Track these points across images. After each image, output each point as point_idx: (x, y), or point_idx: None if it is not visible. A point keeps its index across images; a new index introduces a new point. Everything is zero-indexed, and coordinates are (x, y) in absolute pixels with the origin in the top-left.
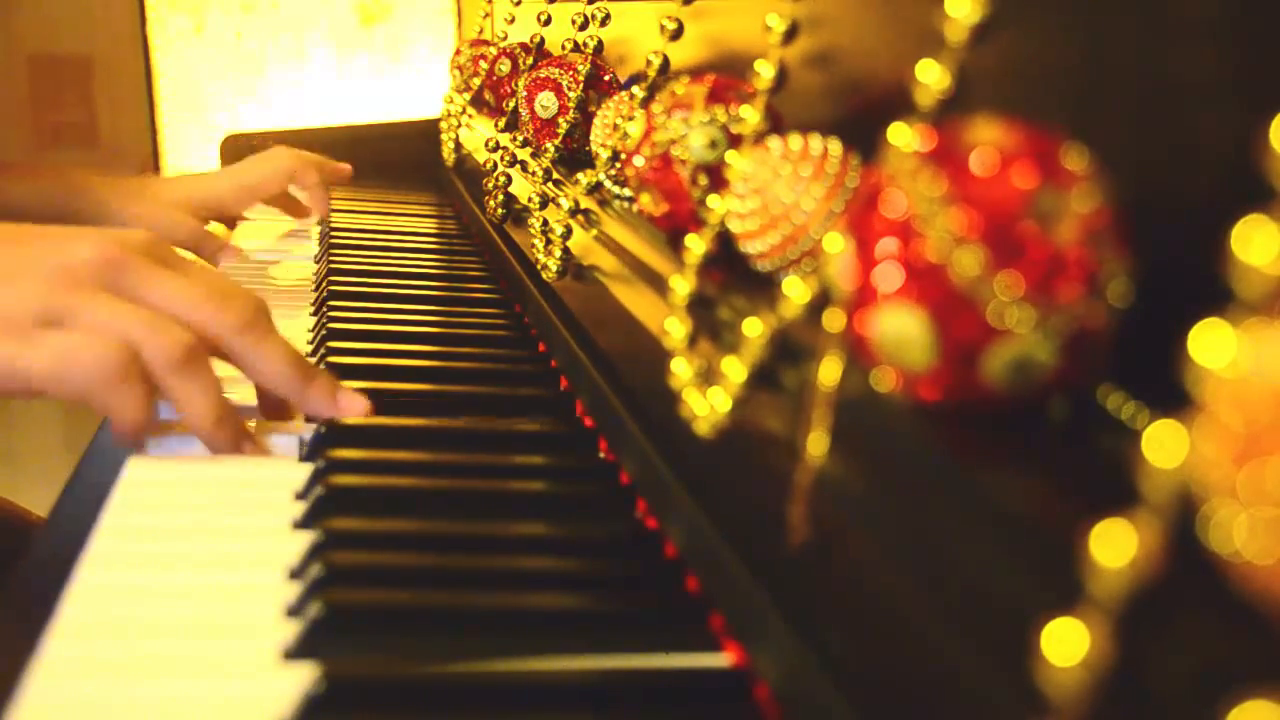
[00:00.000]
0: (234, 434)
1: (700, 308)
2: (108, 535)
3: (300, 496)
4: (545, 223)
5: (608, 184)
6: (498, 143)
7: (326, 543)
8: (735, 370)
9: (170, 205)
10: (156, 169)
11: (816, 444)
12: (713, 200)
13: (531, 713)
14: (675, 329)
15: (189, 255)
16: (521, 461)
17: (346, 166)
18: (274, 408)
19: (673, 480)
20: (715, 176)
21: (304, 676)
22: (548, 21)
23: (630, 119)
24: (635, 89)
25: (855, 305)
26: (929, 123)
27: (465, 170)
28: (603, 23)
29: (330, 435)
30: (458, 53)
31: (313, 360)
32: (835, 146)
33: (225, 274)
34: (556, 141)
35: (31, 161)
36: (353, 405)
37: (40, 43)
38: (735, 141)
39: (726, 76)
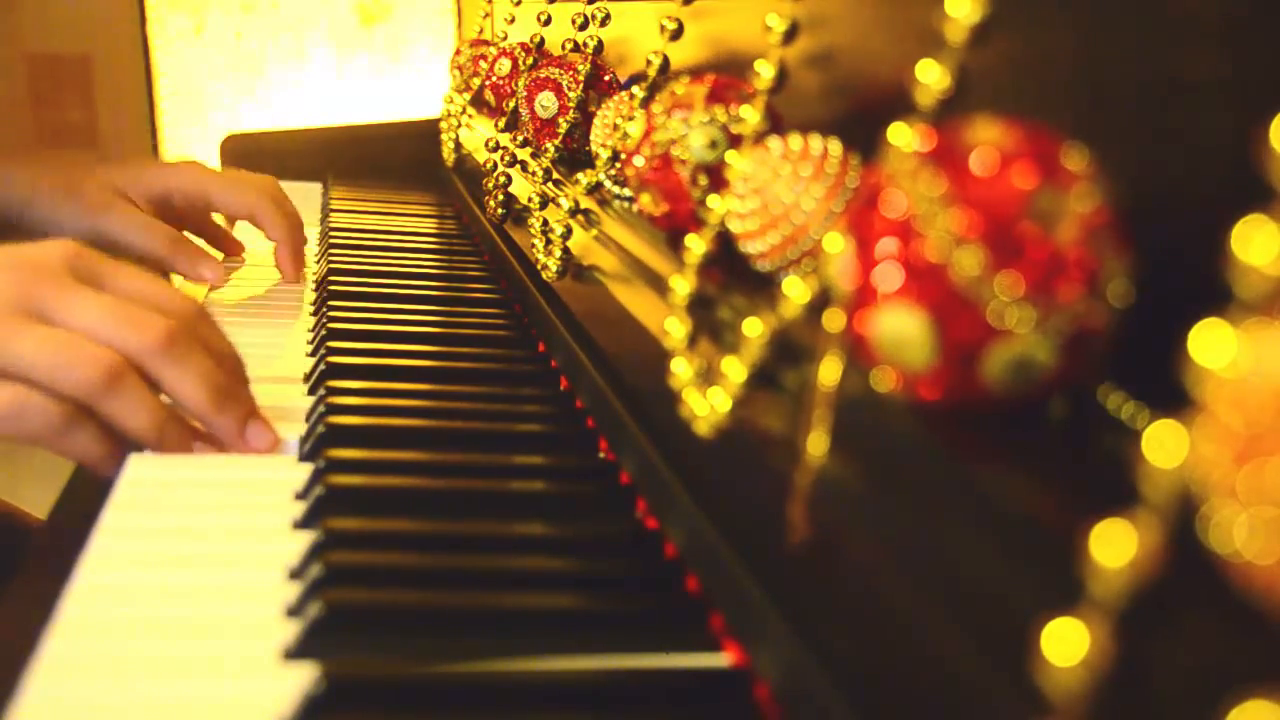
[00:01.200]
0: (180, 437)
1: (700, 308)
2: (108, 535)
3: (300, 496)
4: (545, 223)
5: (608, 184)
6: (498, 143)
7: (326, 543)
8: (735, 370)
9: (134, 203)
10: None
11: (816, 444)
12: (713, 200)
13: (531, 713)
14: (675, 329)
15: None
16: (521, 461)
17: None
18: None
19: (673, 480)
20: (715, 176)
21: (304, 676)
22: (548, 21)
23: (630, 119)
24: (635, 89)
25: (855, 305)
26: (929, 123)
27: (465, 170)
28: (603, 23)
29: (330, 435)
30: (458, 53)
31: (312, 358)
32: (835, 146)
33: (155, 280)
34: (556, 141)
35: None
36: (259, 441)
37: (40, 42)
38: (735, 141)
39: (726, 76)
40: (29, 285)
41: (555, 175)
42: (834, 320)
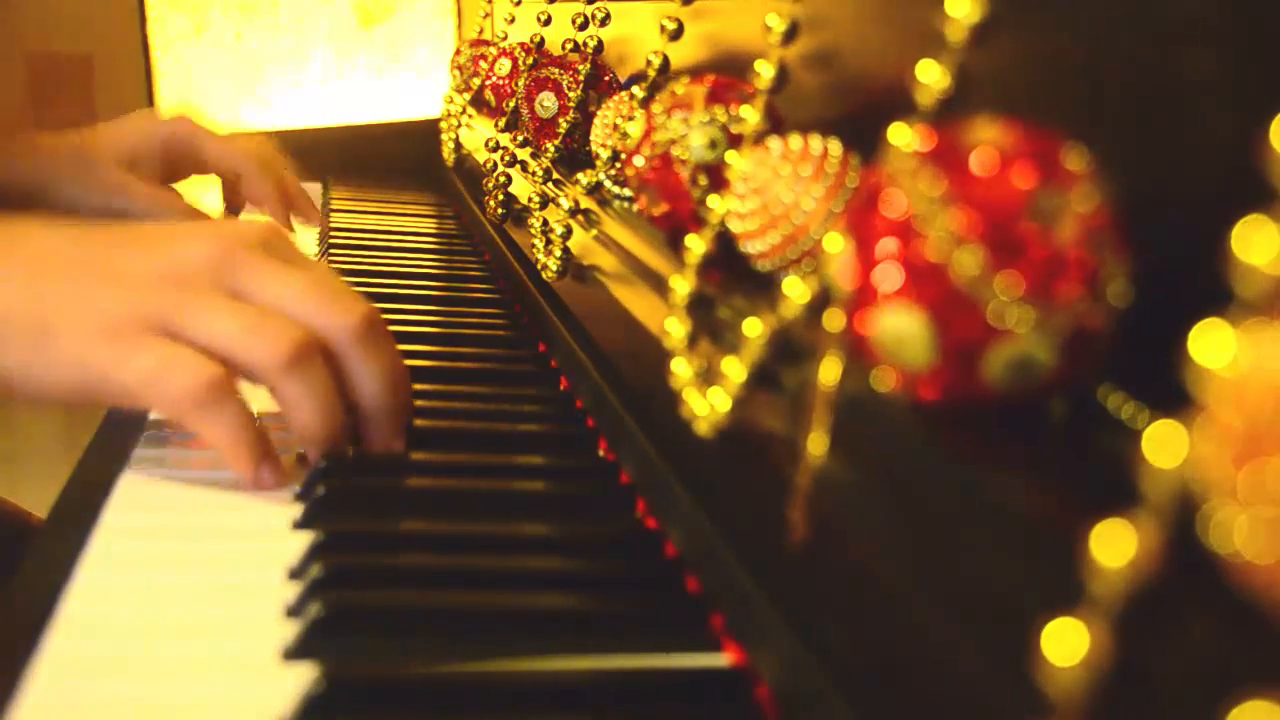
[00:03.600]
0: (339, 446)
1: (700, 308)
2: (108, 535)
3: (300, 497)
4: (545, 223)
5: (608, 184)
6: (498, 143)
7: (326, 543)
8: (735, 370)
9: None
10: None
11: (816, 444)
12: (713, 200)
13: (531, 713)
14: (675, 329)
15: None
16: (522, 461)
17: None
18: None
19: (673, 480)
20: (715, 176)
21: (304, 676)
22: (548, 21)
23: (630, 119)
24: (635, 89)
25: (855, 305)
26: (929, 123)
27: (465, 170)
28: (603, 23)
29: None
30: (458, 53)
31: None
32: (835, 146)
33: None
34: (556, 141)
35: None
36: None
37: (40, 42)
38: (735, 141)
39: (726, 76)
40: (230, 260)
41: (555, 175)
42: (834, 320)
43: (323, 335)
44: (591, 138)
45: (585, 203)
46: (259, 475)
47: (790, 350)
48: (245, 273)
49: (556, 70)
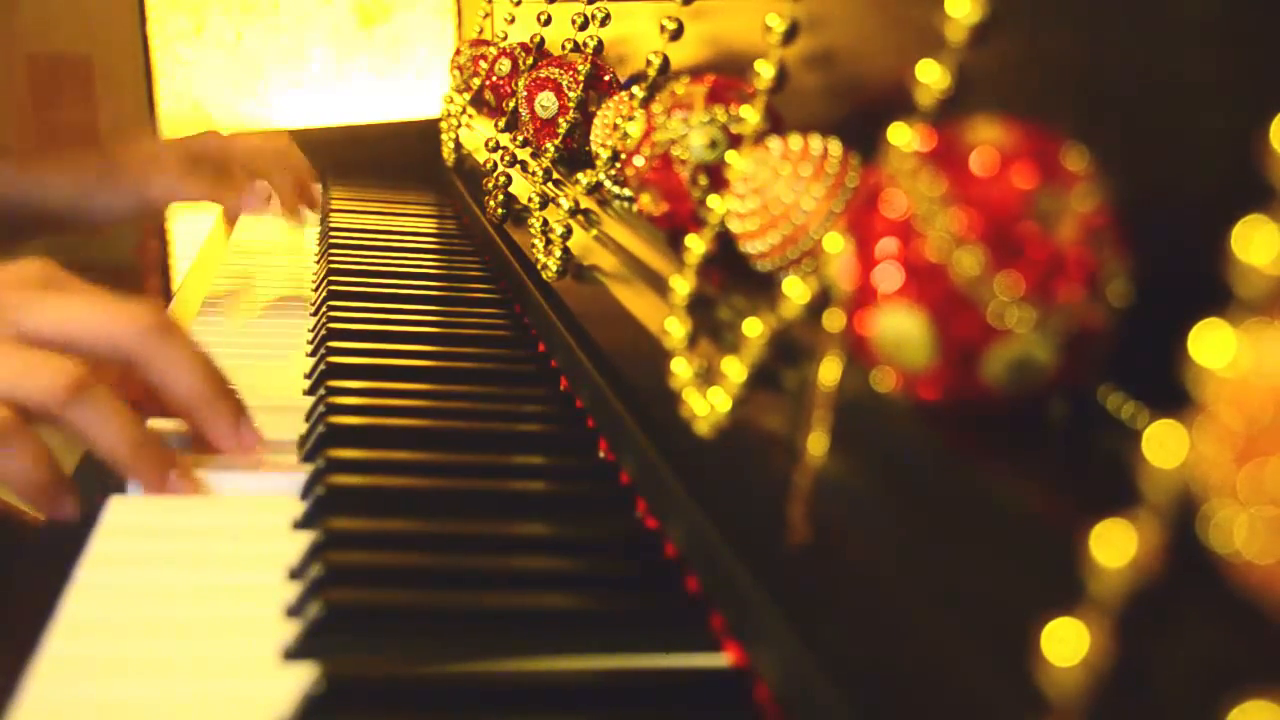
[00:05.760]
0: (157, 462)
1: (700, 308)
2: (108, 535)
3: (300, 497)
4: (545, 223)
5: (608, 184)
6: (498, 143)
7: (326, 543)
8: (735, 370)
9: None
10: None
11: (816, 444)
12: (713, 200)
13: (532, 713)
14: (675, 329)
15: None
16: (521, 461)
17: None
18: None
19: (673, 480)
20: (715, 176)
21: (304, 676)
22: (548, 21)
23: (630, 119)
24: (635, 89)
25: (855, 305)
26: (929, 123)
27: (465, 170)
28: (603, 23)
29: (330, 435)
30: (458, 53)
31: (312, 358)
32: (835, 146)
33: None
34: (556, 141)
35: (33, 152)
36: (248, 440)
37: (40, 42)
38: (735, 141)
39: (726, 76)
40: (3, 301)
41: (555, 175)
42: (834, 320)
43: (119, 344)
44: (591, 138)
45: (585, 203)
46: (59, 508)
47: (790, 350)
48: (23, 310)
49: (556, 70)
